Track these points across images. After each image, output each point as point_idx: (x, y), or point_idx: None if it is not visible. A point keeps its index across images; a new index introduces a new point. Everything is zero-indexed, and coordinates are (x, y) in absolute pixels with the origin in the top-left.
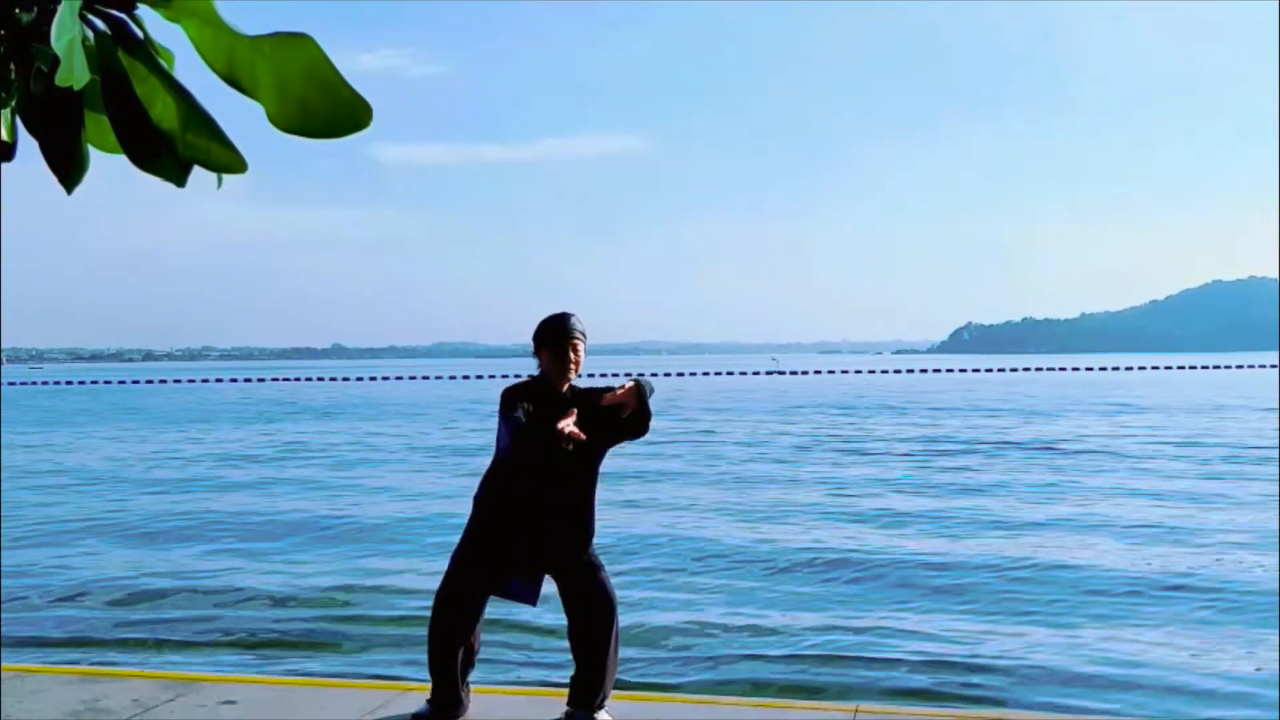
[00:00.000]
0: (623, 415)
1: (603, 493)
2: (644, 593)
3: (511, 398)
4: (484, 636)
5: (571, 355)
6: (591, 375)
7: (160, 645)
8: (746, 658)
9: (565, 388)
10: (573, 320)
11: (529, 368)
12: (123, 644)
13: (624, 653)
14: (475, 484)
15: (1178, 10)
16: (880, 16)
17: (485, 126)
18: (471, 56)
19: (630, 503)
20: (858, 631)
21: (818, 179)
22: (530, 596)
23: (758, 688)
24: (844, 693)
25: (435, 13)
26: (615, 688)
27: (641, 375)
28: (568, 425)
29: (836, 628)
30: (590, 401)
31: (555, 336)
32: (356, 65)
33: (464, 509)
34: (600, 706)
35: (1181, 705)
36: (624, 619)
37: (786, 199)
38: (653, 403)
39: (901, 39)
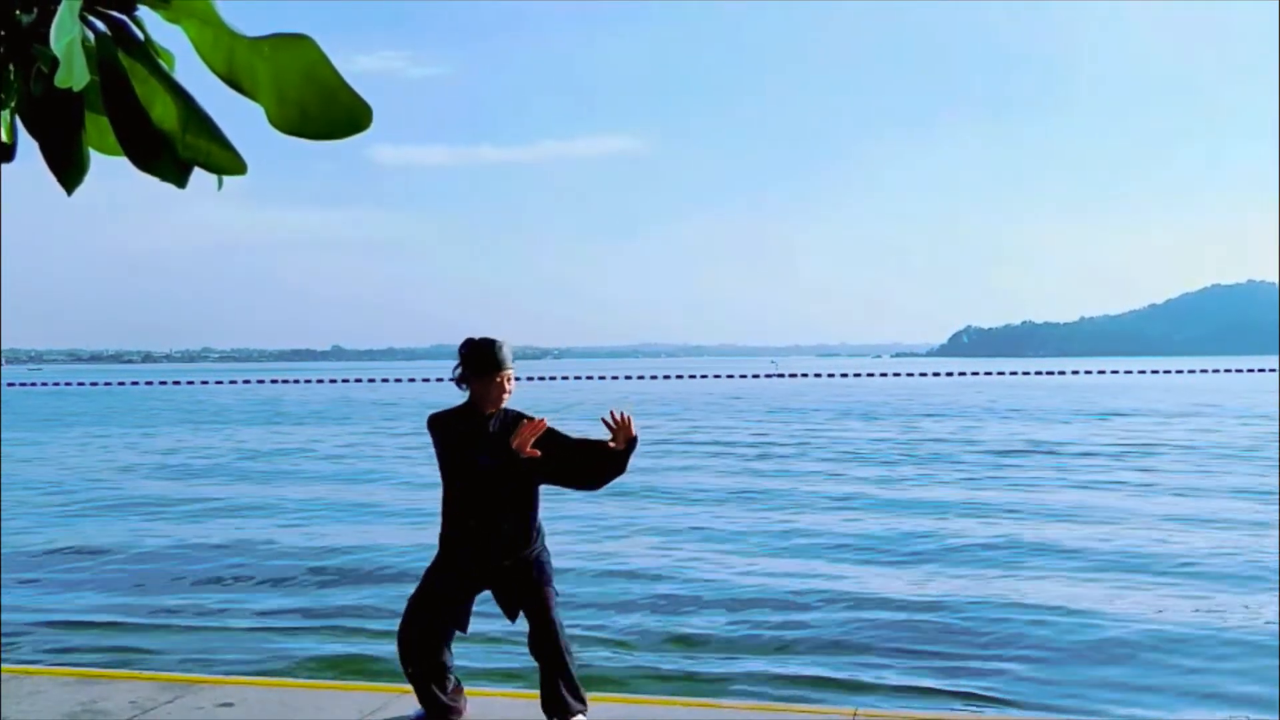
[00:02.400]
0: (608, 445)
1: (603, 496)
2: (645, 592)
3: (440, 426)
4: (480, 636)
5: (506, 387)
6: (590, 378)
7: (160, 643)
8: (748, 656)
9: (491, 409)
10: (505, 351)
11: (529, 369)
12: (122, 636)
13: (624, 652)
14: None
15: (1179, 11)
16: (879, 16)
17: (484, 128)
18: (470, 58)
19: (629, 506)
20: (859, 629)
21: (816, 180)
22: (462, 623)
23: (758, 685)
24: (844, 691)
25: (433, 14)
26: (612, 689)
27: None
28: (524, 444)
29: (837, 625)
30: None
31: (489, 368)
32: (354, 66)
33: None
34: (572, 714)
35: (1181, 706)
36: (626, 618)
37: (785, 200)
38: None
39: (901, 39)
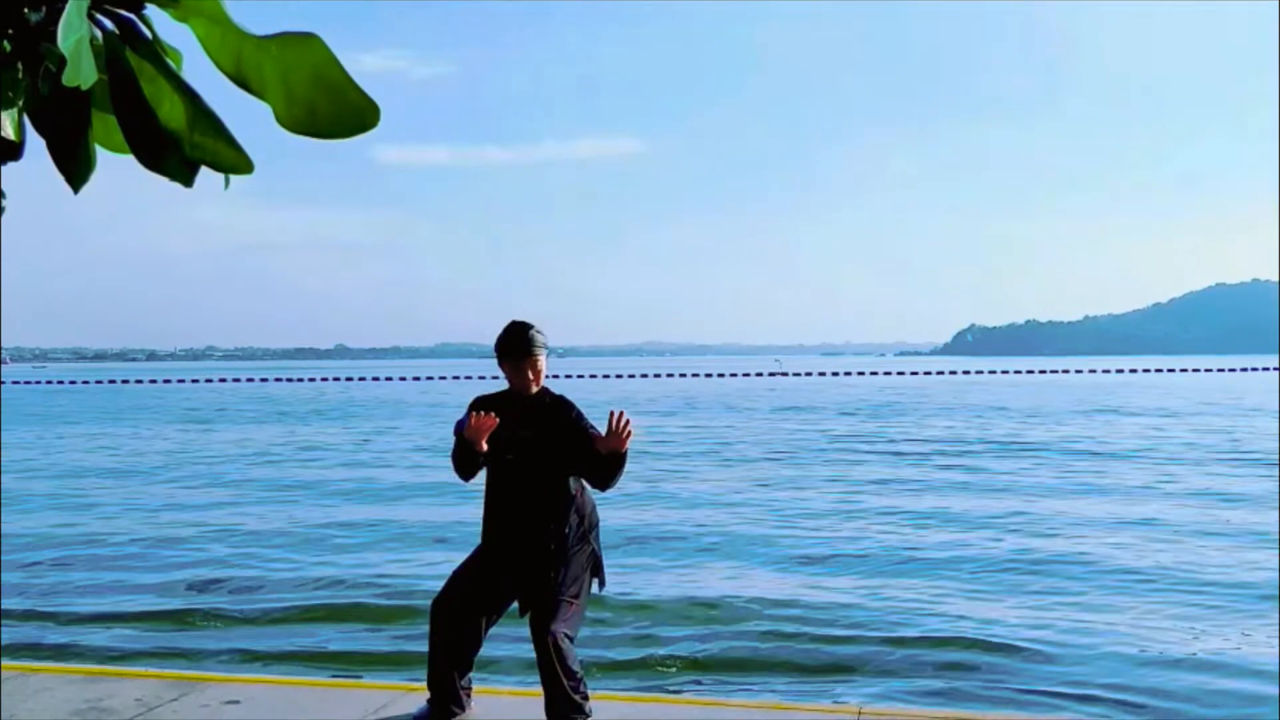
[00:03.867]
0: (595, 446)
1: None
2: (648, 589)
3: (481, 408)
4: (490, 635)
5: (529, 372)
6: (594, 376)
7: (164, 641)
8: (752, 654)
9: (535, 390)
10: (531, 334)
11: None
12: (128, 634)
13: (628, 649)
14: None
15: (1184, 10)
16: (884, 14)
17: (488, 128)
18: (474, 58)
19: (634, 501)
20: (864, 627)
21: (820, 179)
22: (489, 610)
23: (762, 683)
24: (849, 689)
25: (438, 15)
26: (616, 686)
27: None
28: (476, 437)
29: (842, 622)
30: (566, 413)
31: (515, 353)
32: (358, 66)
33: (456, 507)
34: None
35: (1182, 705)
36: (630, 614)
37: (789, 199)
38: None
39: (907, 37)
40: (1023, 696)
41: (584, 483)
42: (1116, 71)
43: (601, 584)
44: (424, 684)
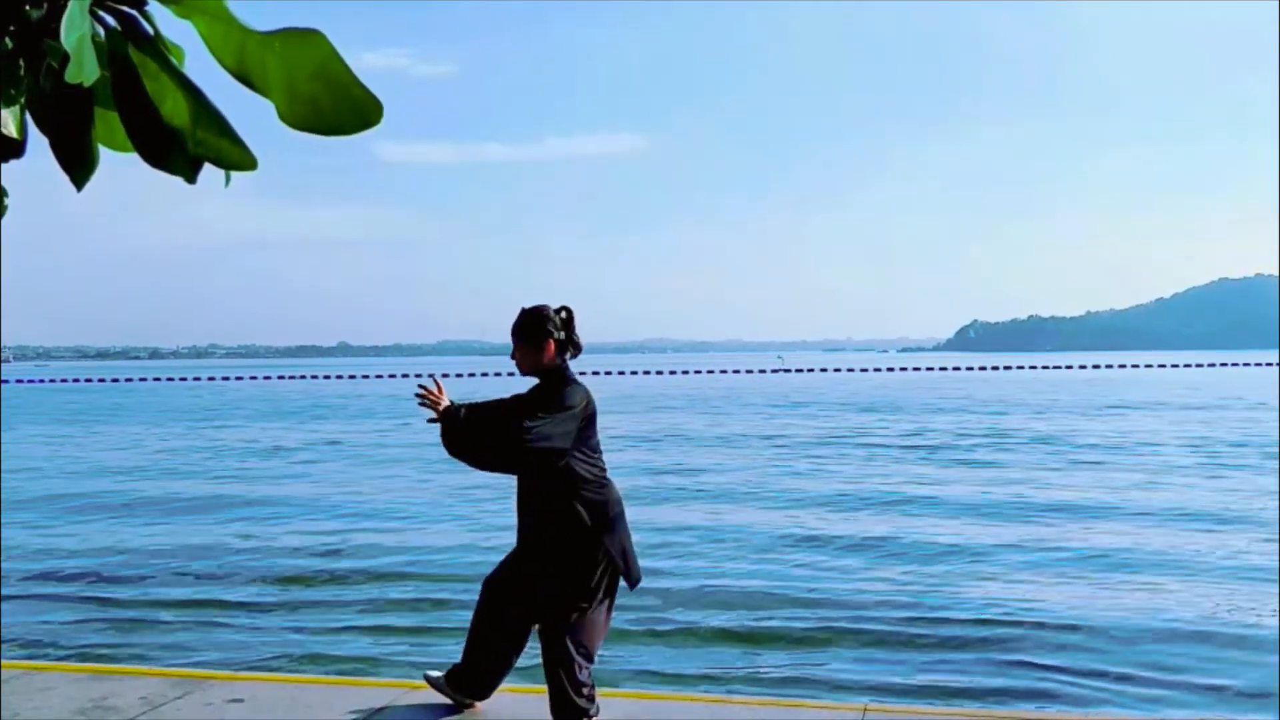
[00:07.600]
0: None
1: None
2: (651, 587)
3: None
4: None
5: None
6: (596, 373)
7: (172, 635)
8: (756, 651)
9: (531, 374)
10: (516, 320)
11: None
12: (133, 632)
13: (630, 648)
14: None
15: (1185, 8)
16: (886, 13)
17: (490, 126)
18: (475, 56)
19: (638, 498)
20: (867, 624)
21: (821, 176)
22: (511, 599)
23: (766, 680)
24: (850, 685)
25: (439, 13)
26: (619, 686)
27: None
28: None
29: (848, 622)
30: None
31: None
32: (359, 63)
33: (463, 507)
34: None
35: (1182, 707)
36: (632, 611)
37: (790, 196)
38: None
39: (909, 36)
40: (1031, 690)
41: (605, 475)
42: (1119, 66)
43: (630, 583)
44: (425, 683)
